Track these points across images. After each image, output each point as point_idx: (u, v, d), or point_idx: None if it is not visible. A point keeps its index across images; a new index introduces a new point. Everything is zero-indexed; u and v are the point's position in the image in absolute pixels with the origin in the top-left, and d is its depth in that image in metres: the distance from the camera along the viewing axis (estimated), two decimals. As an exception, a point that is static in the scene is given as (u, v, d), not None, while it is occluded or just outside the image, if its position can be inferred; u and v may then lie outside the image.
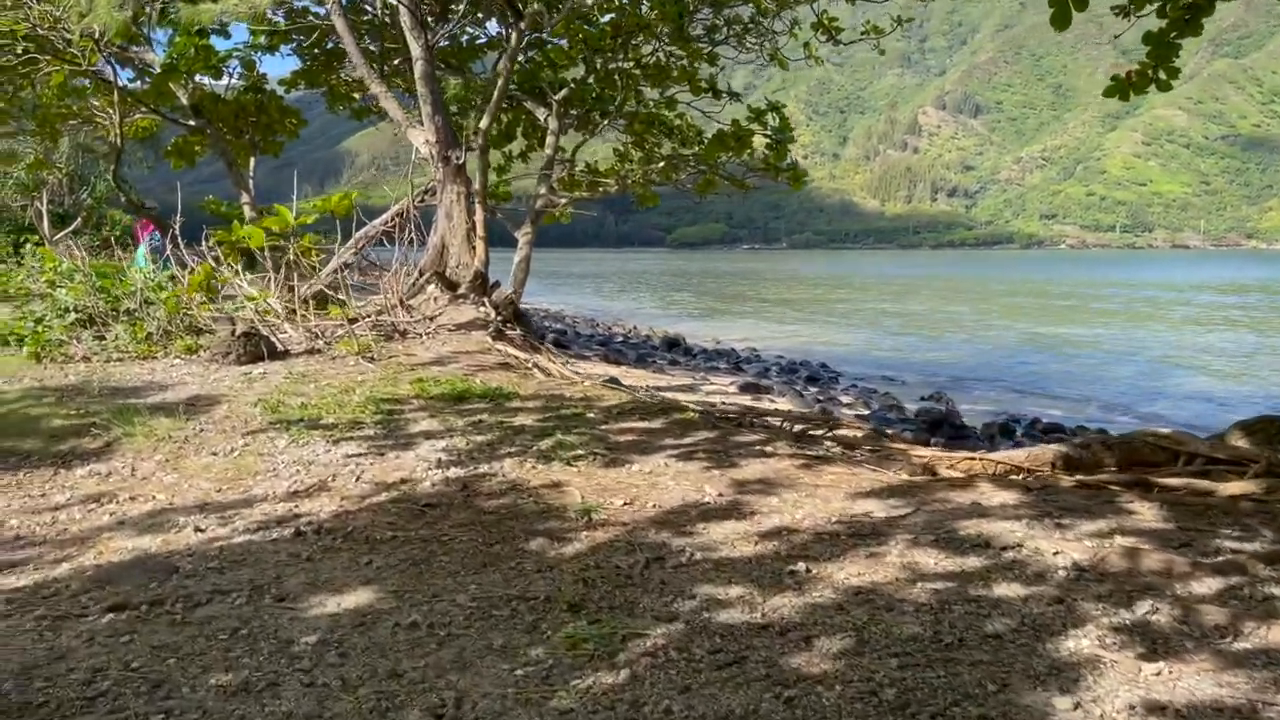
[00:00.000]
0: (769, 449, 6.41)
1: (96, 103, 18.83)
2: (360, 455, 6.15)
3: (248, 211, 17.24)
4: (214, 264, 10.55)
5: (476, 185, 14.00)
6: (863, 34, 16.40)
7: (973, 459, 6.52)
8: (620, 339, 28.57)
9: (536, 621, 3.64)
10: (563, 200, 18.08)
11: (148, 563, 4.45)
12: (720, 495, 5.32)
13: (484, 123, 13.73)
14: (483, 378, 8.80)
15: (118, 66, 18.34)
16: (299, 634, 3.56)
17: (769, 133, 16.30)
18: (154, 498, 5.59)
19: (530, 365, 9.93)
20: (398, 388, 8.30)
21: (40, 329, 11.06)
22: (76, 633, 3.65)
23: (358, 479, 5.67)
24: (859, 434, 7.75)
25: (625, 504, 5.09)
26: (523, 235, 16.43)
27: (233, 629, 3.64)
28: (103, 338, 10.92)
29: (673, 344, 26.51)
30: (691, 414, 7.05)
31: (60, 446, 6.79)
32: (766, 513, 5.03)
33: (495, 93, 13.02)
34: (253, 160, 19.12)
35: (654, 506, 5.08)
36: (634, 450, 6.05)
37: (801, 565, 4.22)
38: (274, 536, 4.73)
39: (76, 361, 10.16)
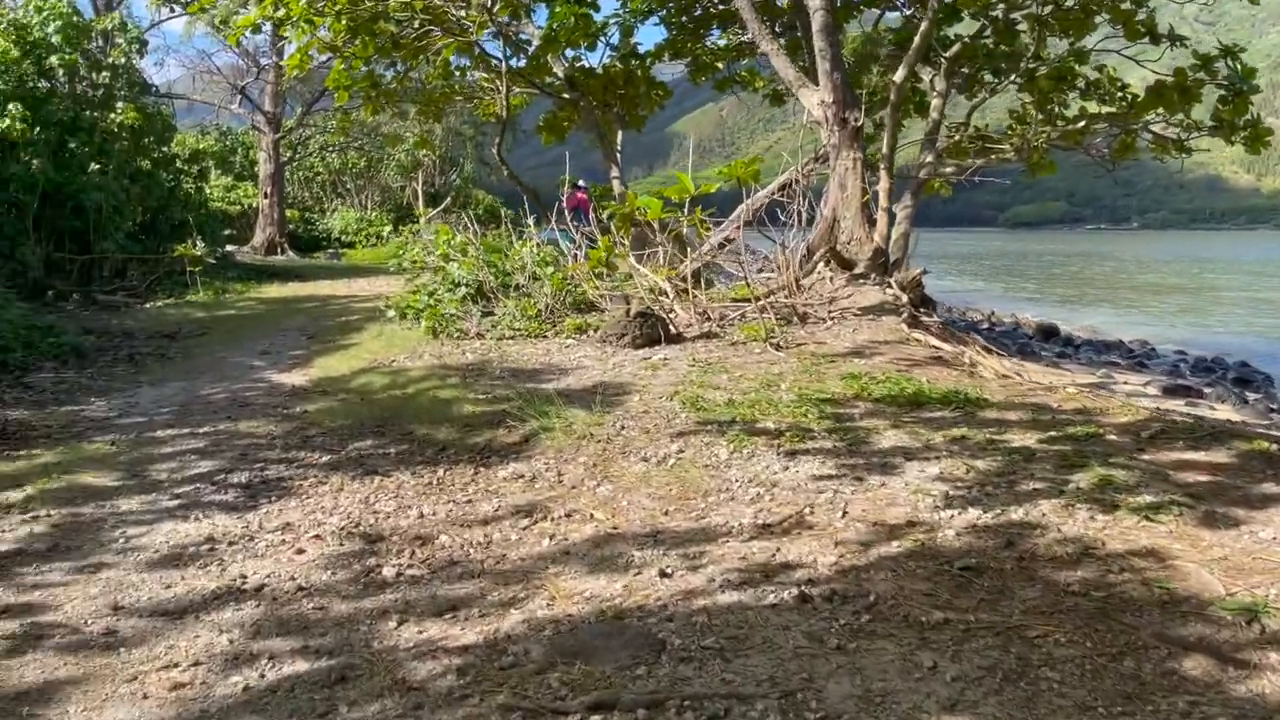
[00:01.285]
0: None
1: (476, 79, 19.22)
2: (831, 477, 4.81)
3: (616, 186, 16.77)
4: (614, 239, 9.81)
5: (884, 149, 12.42)
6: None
7: None
8: (985, 326, 25.85)
9: None
10: (948, 170, 16.03)
11: (620, 627, 3.33)
12: None
13: (899, 75, 12.06)
14: (921, 375, 7.25)
15: (496, 43, 18.59)
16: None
17: (1226, 80, 13.28)
18: (592, 516, 4.57)
19: (968, 361, 8.25)
20: (825, 384, 6.94)
21: (434, 303, 10.90)
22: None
23: (843, 513, 4.32)
24: None
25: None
26: (901, 209, 14.66)
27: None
28: (490, 313, 10.56)
29: (1049, 333, 23.44)
30: (1266, 445, 5.08)
31: (476, 439, 6.06)
32: None
33: (918, 38, 11.33)
34: (619, 135, 18.71)
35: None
36: (1228, 500, 4.24)
37: None
38: (770, 600, 3.46)
39: (471, 338, 9.78)
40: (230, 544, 4.33)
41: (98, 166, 17.50)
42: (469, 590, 3.75)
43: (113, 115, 17.97)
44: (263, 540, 4.38)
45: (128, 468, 5.62)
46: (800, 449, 5.30)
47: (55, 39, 17.39)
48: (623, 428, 5.99)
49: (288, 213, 31.97)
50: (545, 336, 9.72)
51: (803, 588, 3.53)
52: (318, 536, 4.40)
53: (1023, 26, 16.25)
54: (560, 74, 17.12)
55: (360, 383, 8.20)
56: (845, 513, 4.33)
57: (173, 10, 25.08)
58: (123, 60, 18.70)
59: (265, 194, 29.12)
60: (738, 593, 3.54)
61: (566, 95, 17.42)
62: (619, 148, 18.25)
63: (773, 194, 12.65)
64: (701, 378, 7.27)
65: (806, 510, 4.38)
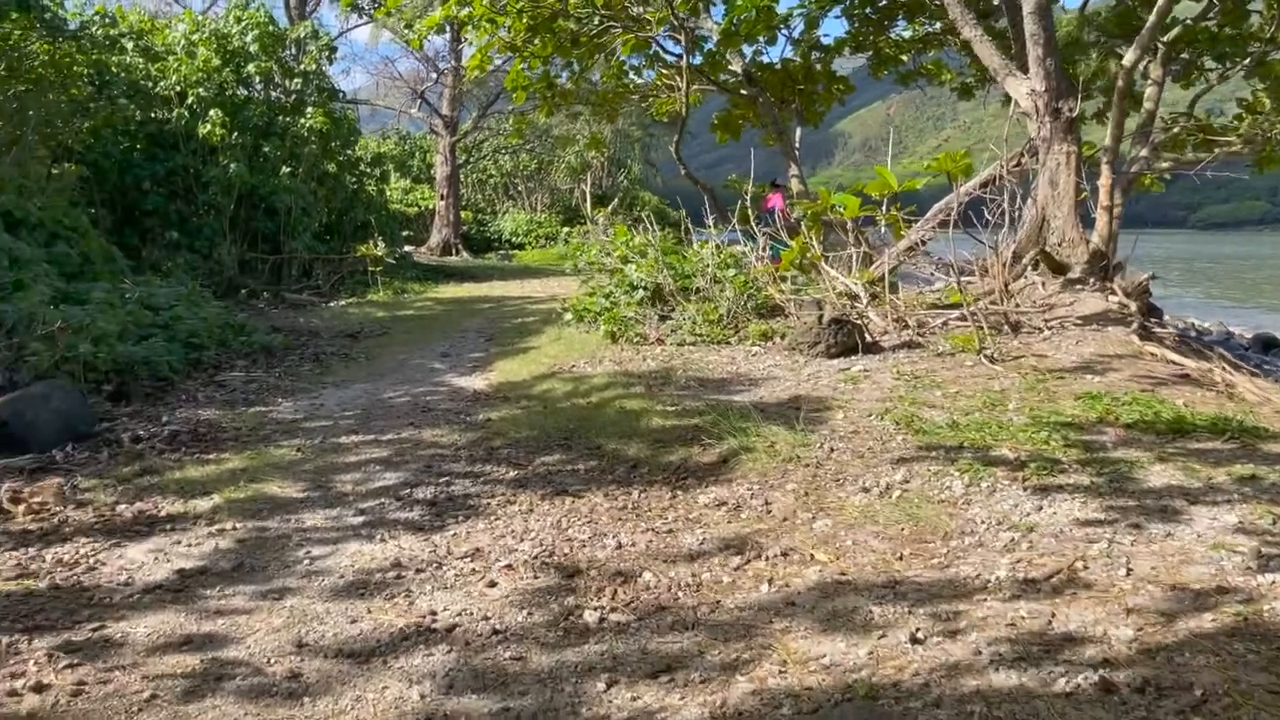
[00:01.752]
0: None
1: (651, 78, 18.91)
2: (1099, 523, 4.04)
3: (795, 185, 16.07)
4: (807, 239, 9.16)
5: (1107, 141, 11.27)
6: None
7: None
8: (1192, 336, 23.64)
9: None
10: (1163, 165, 14.56)
11: (877, 712, 2.74)
12: None
13: (1128, 58, 10.88)
14: (1172, 396, 6.30)
15: (669, 41, 18.22)
16: None
17: None
18: (812, 557, 3.98)
19: (1219, 380, 7.18)
20: (1059, 404, 6.10)
21: (612, 306, 10.55)
22: None
23: (1126, 570, 3.57)
24: None
25: None
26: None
27: None
28: (667, 317, 10.12)
29: (1268, 345, 21.18)
30: None
31: (669, 456, 5.57)
32: None
33: (1153, 15, 10.15)
34: (798, 132, 17.99)
35: None
36: None
37: None
38: (1061, 685, 2.78)
39: (650, 343, 9.35)
40: (418, 571, 3.97)
41: (288, 170, 18.14)
42: (684, 645, 3.23)
43: (303, 120, 18.59)
44: (451, 568, 4.01)
45: (313, 477, 5.41)
46: (1051, 484, 4.54)
47: (253, 47, 18.13)
48: (832, 450, 5.37)
49: (461, 214, 32.68)
50: (729, 343, 9.18)
51: (1102, 672, 2.84)
52: (509, 567, 3.99)
53: (1256, 6, 14.60)
54: (738, 70, 16.58)
55: (542, 389, 7.87)
56: (1129, 570, 3.58)
57: (360, 16, 25.98)
58: (314, 67, 19.35)
59: (441, 196, 29.85)
60: (1016, 672, 2.88)
61: (744, 92, 16.86)
62: (798, 145, 17.54)
63: (971, 191, 11.65)
64: (911, 393, 6.55)
65: (1078, 564, 3.65)
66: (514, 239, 37.97)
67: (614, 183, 42.96)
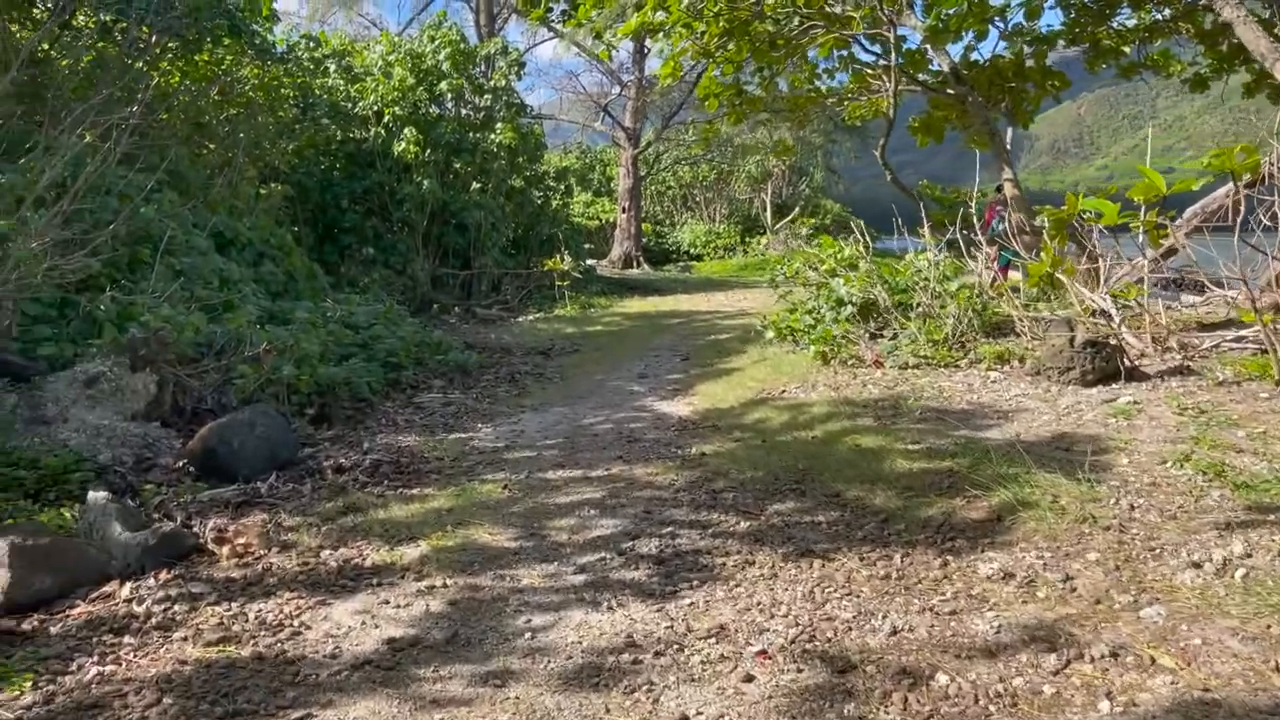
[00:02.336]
0: None
1: (846, 80, 17.98)
2: None
3: (1008, 189, 14.77)
4: (1057, 250, 8.10)
5: None
6: None
7: None
8: None
9: None
10: None
11: None
12: None
13: None
14: None
15: (866, 41, 17.26)
16: None
17: None
18: (1153, 661, 3.11)
19: None
20: None
21: (816, 323, 9.78)
22: None
23: None
24: None
25: None
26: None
27: None
28: (879, 335, 9.25)
29: None
30: None
31: (926, 510, 4.75)
32: None
33: None
34: (1009, 133, 16.65)
35: None
36: None
37: None
38: None
39: (867, 366, 8.51)
40: (656, 655, 3.35)
41: (478, 185, 18.24)
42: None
43: (492, 136, 18.69)
44: (695, 652, 3.36)
45: (524, 522, 4.90)
46: None
47: (445, 65, 18.35)
48: (1132, 508, 4.42)
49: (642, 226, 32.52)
50: (957, 366, 8.22)
51: None
52: (764, 654, 3.31)
53: None
54: (945, 67, 15.44)
55: (754, 418, 7.18)
56: None
57: (548, 31, 26.16)
58: (503, 83, 19.44)
59: (624, 208, 29.72)
60: None
61: (951, 91, 15.70)
62: (1008, 145, 16.20)
63: (1230, 195, 10.16)
64: (1206, 434, 5.47)
65: None
66: (692, 250, 37.54)
67: (794, 191, 41.87)
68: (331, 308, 10.11)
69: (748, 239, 38.64)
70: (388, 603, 3.88)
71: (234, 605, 3.85)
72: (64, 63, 10.39)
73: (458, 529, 4.79)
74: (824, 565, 4.14)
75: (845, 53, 16.89)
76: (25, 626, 3.66)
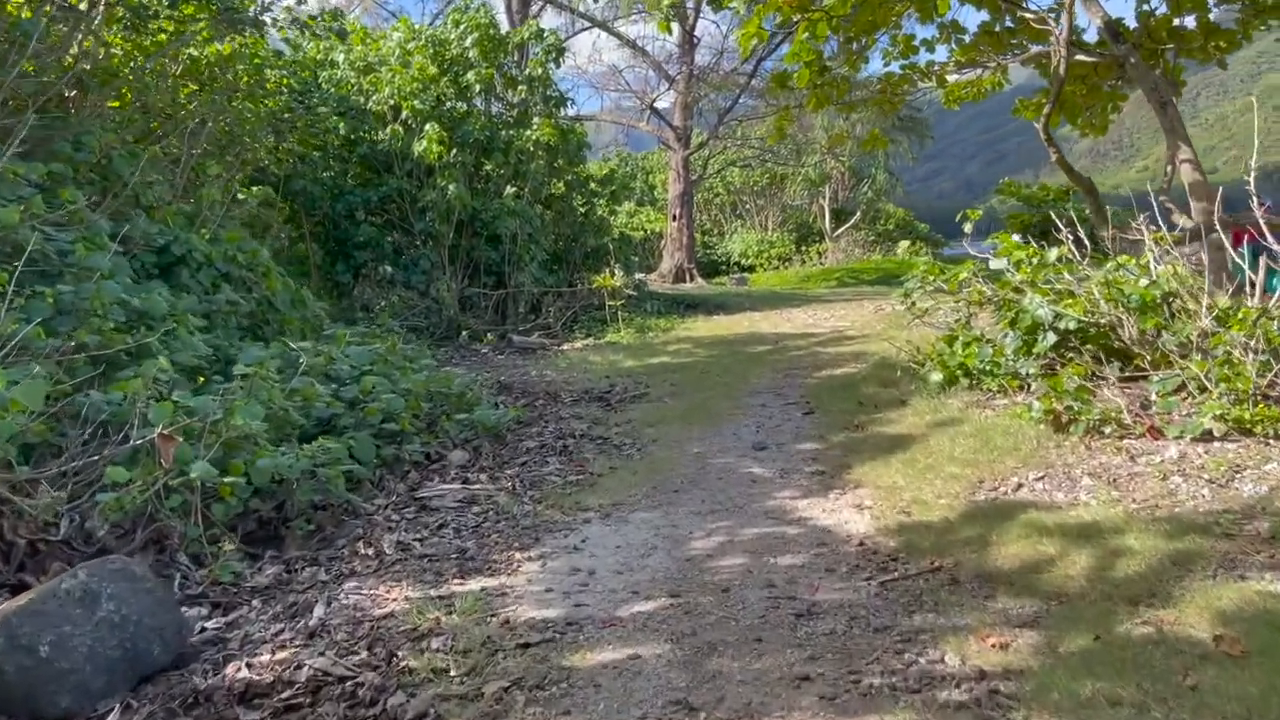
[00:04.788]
0: None
1: (942, 54, 14.87)
2: None
3: (1188, 173, 11.49)
4: None
5: None
6: None
7: None
8: None
9: None
10: None
11: None
12: None
13: None
14: None
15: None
16: None
17: None
18: None
19: None
20: None
21: (999, 360, 6.65)
22: None
23: None
24: None
25: None
26: None
27: None
28: (1128, 383, 6.06)
29: None
30: None
31: None
32: None
33: None
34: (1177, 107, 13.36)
35: None
36: None
37: None
38: None
39: (1138, 435, 5.33)
40: None
41: (513, 190, 15.24)
42: None
43: (528, 133, 15.71)
44: None
45: None
46: None
47: (472, 53, 15.40)
48: None
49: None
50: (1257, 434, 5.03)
51: None
52: None
53: None
54: (1099, 23, 12.28)
55: (1011, 554, 4.01)
56: None
57: (586, 21, 23.22)
58: (539, 72, 16.46)
59: (674, 216, 26.59)
60: None
61: (1102, 54, 12.54)
62: (1182, 122, 12.93)
63: None
64: None
65: None
66: (743, 261, 34.38)
67: (853, 195, 38.51)
68: (309, 349, 7.11)
69: (803, 247, 35.38)
70: None
71: None
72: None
73: None
74: None
75: (949, 19, 13.94)
76: None
